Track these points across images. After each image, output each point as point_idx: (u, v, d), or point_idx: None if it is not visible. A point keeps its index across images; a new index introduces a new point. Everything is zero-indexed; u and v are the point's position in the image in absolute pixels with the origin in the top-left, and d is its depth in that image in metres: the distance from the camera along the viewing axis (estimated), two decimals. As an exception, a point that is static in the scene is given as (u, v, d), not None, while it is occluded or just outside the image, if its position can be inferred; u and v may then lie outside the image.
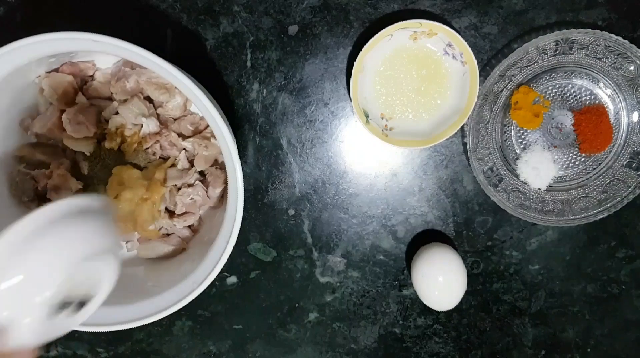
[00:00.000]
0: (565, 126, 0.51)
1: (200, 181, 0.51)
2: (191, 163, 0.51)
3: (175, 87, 0.47)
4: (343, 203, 0.54)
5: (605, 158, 0.52)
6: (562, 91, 0.51)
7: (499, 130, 0.51)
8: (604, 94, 0.51)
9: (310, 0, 0.50)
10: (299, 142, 0.53)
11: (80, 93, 0.49)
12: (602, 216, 0.51)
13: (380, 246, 0.55)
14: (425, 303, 0.52)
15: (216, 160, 0.51)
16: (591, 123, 0.50)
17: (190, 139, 0.50)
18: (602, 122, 0.50)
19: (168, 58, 0.42)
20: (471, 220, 0.54)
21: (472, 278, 0.55)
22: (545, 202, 0.52)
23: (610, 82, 0.50)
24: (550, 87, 0.51)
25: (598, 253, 0.55)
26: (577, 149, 0.52)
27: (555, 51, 0.49)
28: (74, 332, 0.48)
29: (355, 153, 0.54)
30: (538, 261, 0.55)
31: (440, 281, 0.51)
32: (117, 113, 0.49)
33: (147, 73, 0.48)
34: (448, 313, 0.56)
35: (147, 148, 0.50)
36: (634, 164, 0.50)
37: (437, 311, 0.56)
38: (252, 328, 0.57)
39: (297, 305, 0.56)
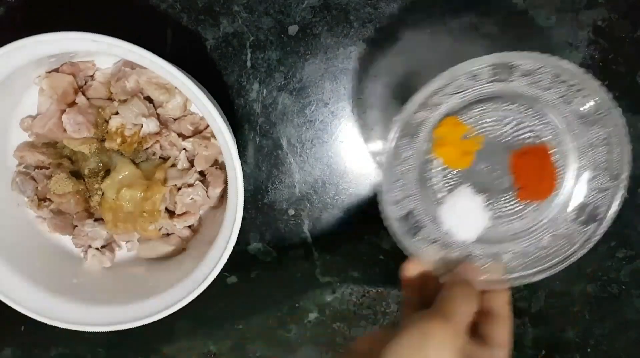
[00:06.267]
0: (500, 167, 0.43)
1: (200, 181, 0.51)
2: (191, 163, 0.51)
3: (175, 87, 0.47)
4: (343, 203, 0.54)
5: (547, 208, 0.43)
6: (497, 125, 0.43)
7: (420, 169, 0.44)
8: (549, 132, 0.43)
9: (310, 0, 0.50)
10: (299, 142, 0.53)
11: (80, 93, 0.49)
12: (539, 278, 0.42)
13: (380, 246, 0.55)
14: (425, 303, 0.52)
15: (216, 160, 0.51)
16: (531, 166, 0.43)
17: (190, 139, 0.50)
18: (544, 165, 0.42)
19: (168, 58, 0.42)
20: (471, 220, 0.54)
21: (472, 278, 0.55)
22: (472, 256, 0.43)
23: (557, 118, 0.42)
24: (483, 121, 0.43)
25: (598, 253, 0.55)
26: (513, 194, 0.44)
27: (492, 77, 0.40)
28: (73, 332, 0.48)
29: (355, 153, 0.54)
30: (538, 261, 0.55)
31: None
32: (117, 113, 0.49)
33: (147, 73, 0.48)
34: (448, 313, 0.56)
35: (147, 148, 0.50)
36: (581, 218, 0.42)
37: (437, 312, 0.56)
38: (252, 328, 0.57)
39: (297, 305, 0.56)
